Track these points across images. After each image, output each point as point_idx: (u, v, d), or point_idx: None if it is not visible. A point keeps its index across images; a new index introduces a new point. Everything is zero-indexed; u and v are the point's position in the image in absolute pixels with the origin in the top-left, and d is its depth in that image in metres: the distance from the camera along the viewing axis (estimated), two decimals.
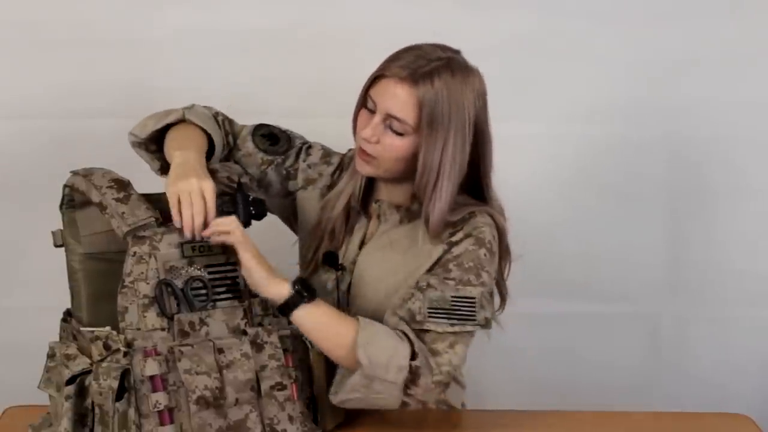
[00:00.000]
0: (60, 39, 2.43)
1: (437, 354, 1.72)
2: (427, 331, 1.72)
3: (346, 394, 1.71)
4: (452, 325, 1.73)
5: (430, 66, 1.70)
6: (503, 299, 1.89)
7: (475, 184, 1.82)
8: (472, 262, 1.76)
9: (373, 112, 1.74)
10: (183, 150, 1.74)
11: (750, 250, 2.60)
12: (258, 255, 1.68)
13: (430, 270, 1.78)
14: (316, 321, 1.71)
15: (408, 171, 1.77)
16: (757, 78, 2.51)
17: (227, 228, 1.65)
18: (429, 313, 1.72)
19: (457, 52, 1.76)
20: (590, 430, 1.91)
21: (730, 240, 2.60)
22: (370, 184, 1.88)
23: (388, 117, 1.72)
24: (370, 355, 1.67)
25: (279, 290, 1.68)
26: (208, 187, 1.65)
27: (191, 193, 1.63)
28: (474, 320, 1.75)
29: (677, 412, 2.06)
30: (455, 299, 1.74)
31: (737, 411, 2.00)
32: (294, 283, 1.70)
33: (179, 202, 1.63)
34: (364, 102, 1.77)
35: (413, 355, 1.69)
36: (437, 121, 1.69)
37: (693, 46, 2.49)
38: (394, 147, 1.73)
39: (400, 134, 1.72)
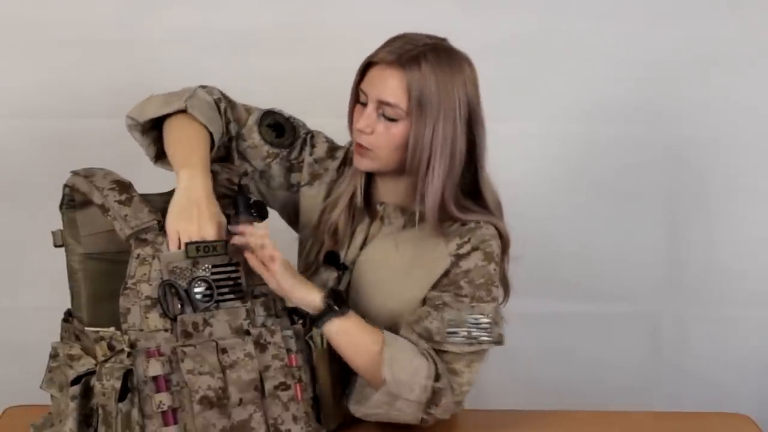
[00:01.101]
0: (60, 39, 2.43)
1: (457, 374, 1.76)
2: (446, 351, 1.75)
3: (368, 409, 1.74)
4: (470, 344, 1.75)
5: (417, 50, 1.71)
6: (507, 292, 1.89)
7: (471, 176, 1.82)
8: (483, 278, 1.78)
9: (365, 105, 1.76)
10: (188, 167, 1.70)
11: (750, 250, 2.61)
12: (288, 265, 1.68)
13: (438, 283, 1.80)
14: (345, 333, 1.72)
15: (405, 162, 1.77)
16: (757, 78, 2.52)
17: (261, 240, 1.65)
18: (448, 333, 1.75)
19: (444, 39, 1.78)
20: (590, 429, 1.91)
21: (730, 240, 2.60)
22: (370, 183, 1.88)
23: (380, 104, 1.73)
24: (394, 372, 1.70)
25: (312, 300, 1.70)
26: (209, 236, 1.64)
27: (191, 239, 1.63)
28: (489, 338, 1.77)
29: (677, 412, 2.07)
30: (471, 317, 1.76)
31: (737, 411, 2.00)
32: (326, 296, 1.71)
33: (179, 239, 1.63)
34: (356, 97, 1.79)
35: (437, 377, 1.72)
36: (426, 102, 1.70)
37: (693, 46, 2.49)
38: (389, 134, 1.74)
39: (393, 120, 1.73)
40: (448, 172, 1.74)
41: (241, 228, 1.66)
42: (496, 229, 1.81)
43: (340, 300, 1.72)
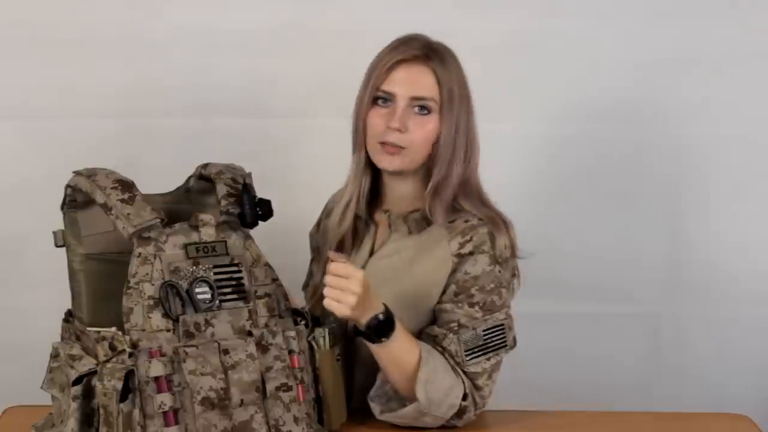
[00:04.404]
0: (60, 39, 2.42)
1: (480, 389, 1.80)
2: (467, 371, 1.79)
3: (393, 418, 1.79)
4: (488, 359, 1.80)
5: (434, 45, 1.80)
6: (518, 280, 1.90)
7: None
8: (492, 283, 1.80)
9: (386, 104, 1.79)
10: None
11: (750, 250, 2.60)
12: (356, 305, 1.67)
13: (446, 291, 1.81)
14: (384, 352, 1.75)
15: (427, 157, 1.82)
16: (757, 78, 2.52)
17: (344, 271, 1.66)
18: (467, 355, 1.78)
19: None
20: (590, 429, 1.91)
21: (730, 240, 2.60)
22: (372, 193, 1.91)
23: (413, 101, 1.77)
24: (429, 393, 1.74)
25: (359, 324, 1.72)
26: None
27: None
28: (505, 345, 1.82)
29: (677, 412, 2.06)
30: (487, 332, 1.80)
31: (737, 411, 2.00)
32: (370, 322, 1.71)
33: None
34: (373, 99, 1.80)
35: (464, 396, 1.77)
36: (454, 94, 1.78)
37: (693, 46, 2.49)
38: (424, 129, 1.79)
39: (426, 113, 1.78)
40: (467, 161, 1.81)
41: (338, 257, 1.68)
42: (501, 221, 1.83)
43: (386, 330, 1.72)
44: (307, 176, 2.47)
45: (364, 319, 1.71)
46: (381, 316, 1.71)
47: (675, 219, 2.60)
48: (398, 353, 1.75)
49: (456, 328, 1.79)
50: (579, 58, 2.51)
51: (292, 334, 1.67)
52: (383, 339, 1.72)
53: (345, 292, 1.65)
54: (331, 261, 1.67)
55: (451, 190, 1.81)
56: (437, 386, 1.74)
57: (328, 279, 1.66)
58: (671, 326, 2.66)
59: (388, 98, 1.79)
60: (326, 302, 1.67)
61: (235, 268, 1.65)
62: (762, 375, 2.68)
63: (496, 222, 1.82)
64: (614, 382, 2.64)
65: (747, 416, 1.96)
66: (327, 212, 2.04)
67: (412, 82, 1.77)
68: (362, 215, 1.90)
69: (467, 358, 1.78)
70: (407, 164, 1.81)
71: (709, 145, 2.55)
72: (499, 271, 1.81)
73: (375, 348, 1.74)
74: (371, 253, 1.90)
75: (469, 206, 1.82)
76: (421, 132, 1.78)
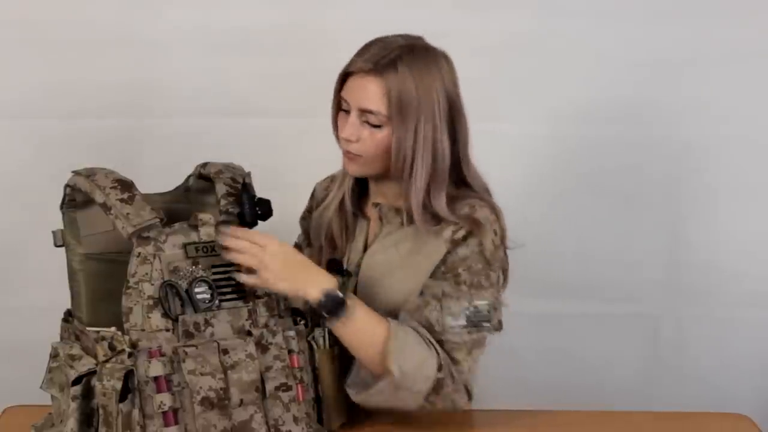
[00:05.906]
0: (60, 39, 2.43)
1: (457, 363, 1.75)
2: (446, 341, 1.75)
3: (369, 396, 1.74)
4: (470, 333, 1.76)
5: (393, 54, 1.73)
6: (506, 277, 1.88)
7: (456, 168, 1.82)
8: (480, 263, 1.77)
9: (348, 112, 1.78)
10: None
11: (750, 251, 2.61)
12: (280, 274, 1.65)
13: (436, 271, 1.79)
14: (347, 331, 1.71)
15: (388, 165, 1.79)
16: (757, 78, 2.52)
17: (238, 245, 1.64)
18: (447, 323, 1.75)
19: (419, 38, 1.79)
20: (590, 430, 1.90)
21: (730, 240, 2.60)
22: (361, 187, 1.91)
23: (362, 112, 1.75)
24: (401, 365, 1.69)
25: (312, 300, 1.69)
26: None
27: None
28: (489, 322, 1.78)
29: (677, 412, 2.06)
30: (471, 305, 1.76)
31: (737, 411, 2.00)
32: (321, 301, 1.68)
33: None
34: (338, 105, 1.81)
35: (439, 367, 1.72)
36: (406, 105, 1.72)
37: (693, 46, 2.49)
38: (374, 140, 1.76)
39: (377, 126, 1.75)
40: (431, 172, 1.76)
41: (227, 230, 1.65)
42: (489, 209, 1.81)
43: (338, 305, 1.69)
44: (306, 176, 2.47)
45: (315, 297, 1.68)
46: (328, 293, 1.68)
47: (675, 219, 2.60)
48: (363, 330, 1.71)
49: (440, 295, 1.77)
50: (579, 58, 2.51)
51: (292, 333, 1.68)
52: (338, 316, 1.69)
53: (259, 262, 1.64)
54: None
55: (420, 198, 1.77)
56: (409, 357, 1.70)
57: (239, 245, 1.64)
58: (671, 326, 2.66)
59: (348, 105, 1.78)
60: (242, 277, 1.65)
61: (234, 268, 1.65)
62: (762, 375, 2.68)
63: (478, 224, 1.80)
64: (614, 382, 2.64)
65: (747, 416, 1.96)
66: (317, 201, 2.04)
67: (359, 93, 1.74)
68: (349, 210, 1.90)
69: (448, 326, 1.75)
70: (367, 170, 1.80)
71: (709, 145, 2.55)
72: (490, 254, 1.78)
73: (337, 329, 1.71)
74: (365, 248, 1.90)
75: (444, 213, 1.79)
76: (370, 143, 1.76)
